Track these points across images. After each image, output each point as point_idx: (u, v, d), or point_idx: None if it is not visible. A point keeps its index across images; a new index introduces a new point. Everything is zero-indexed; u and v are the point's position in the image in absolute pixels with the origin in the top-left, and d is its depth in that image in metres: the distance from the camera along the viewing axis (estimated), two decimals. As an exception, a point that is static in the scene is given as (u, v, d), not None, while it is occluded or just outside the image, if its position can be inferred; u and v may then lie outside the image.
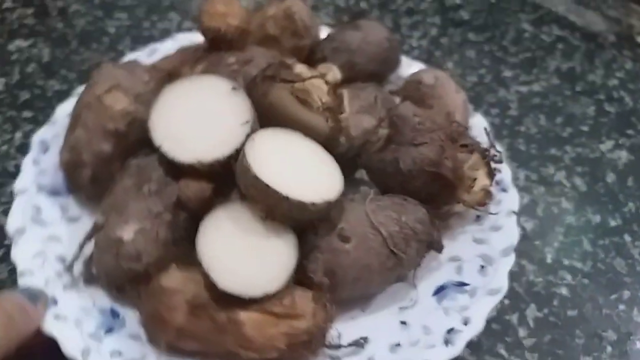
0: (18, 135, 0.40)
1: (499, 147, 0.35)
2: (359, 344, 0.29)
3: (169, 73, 0.37)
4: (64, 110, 0.37)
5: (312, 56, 0.40)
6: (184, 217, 0.30)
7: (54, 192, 0.34)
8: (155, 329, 0.28)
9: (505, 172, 0.36)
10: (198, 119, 0.30)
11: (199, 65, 0.35)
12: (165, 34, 0.48)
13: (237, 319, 0.27)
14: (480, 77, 0.48)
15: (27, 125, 0.40)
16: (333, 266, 0.29)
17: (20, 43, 0.47)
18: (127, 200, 0.30)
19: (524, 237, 0.37)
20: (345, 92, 0.35)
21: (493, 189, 0.34)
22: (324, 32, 0.42)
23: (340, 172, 0.30)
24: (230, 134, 0.30)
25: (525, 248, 0.37)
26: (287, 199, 0.27)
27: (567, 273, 0.37)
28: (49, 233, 0.32)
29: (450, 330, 0.30)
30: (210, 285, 0.27)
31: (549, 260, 0.37)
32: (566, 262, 0.37)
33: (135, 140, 0.33)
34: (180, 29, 0.49)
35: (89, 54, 0.46)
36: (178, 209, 0.30)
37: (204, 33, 0.36)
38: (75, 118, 0.34)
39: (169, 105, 0.31)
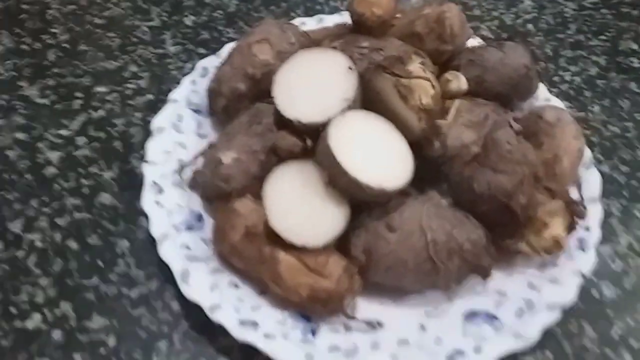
0: (188, 65, 0.49)
1: (612, 207, 0.34)
2: (372, 324, 0.32)
3: (313, 41, 0.42)
4: (228, 49, 0.45)
5: (449, 62, 0.42)
6: (274, 160, 0.35)
7: (197, 110, 0.42)
8: (218, 239, 0.33)
9: (593, 233, 0.35)
10: (311, 85, 0.35)
11: (336, 41, 0.39)
12: (334, 10, 0.53)
13: (277, 257, 0.31)
14: (623, 130, 0.45)
15: (198, 59, 0.49)
16: (372, 248, 0.32)
17: (223, -12, 0.56)
18: (238, 132, 0.36)
19: (600, 301, 0.36)
20: (457, 103, 0.37)
21: (567, 242, 0.33)
22: (472, 43, 0.43)
23: (413, 170, 0.32)
24: (331, 105, 0.33)
25: (594, 312, 0.35)
26: (346, 174, 0.30)
27: (630, 355, 0.34)
28: (181, 140, 0.40)
29: (459, 352, 0.31)
30: (266, 222, 0.32)
31: (614, 335, 0.35)
32: (634, 344, 0.35)
33: (266, 88, 0.39)
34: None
35: (266, 13, 0.53)
36: (271, 153, 0.35)
37: (350, 14, 0.40)
38: (228, 56, 0.41)
39: (294, 67, 0.36)
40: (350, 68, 0.34)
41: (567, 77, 0.49)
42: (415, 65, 0.33)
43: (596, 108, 0.47)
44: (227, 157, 0.35)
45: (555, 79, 0.49)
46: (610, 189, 0.41)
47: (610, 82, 0.49)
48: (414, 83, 0.33)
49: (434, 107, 0.34)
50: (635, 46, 0.53)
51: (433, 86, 0.34)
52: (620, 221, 0.40)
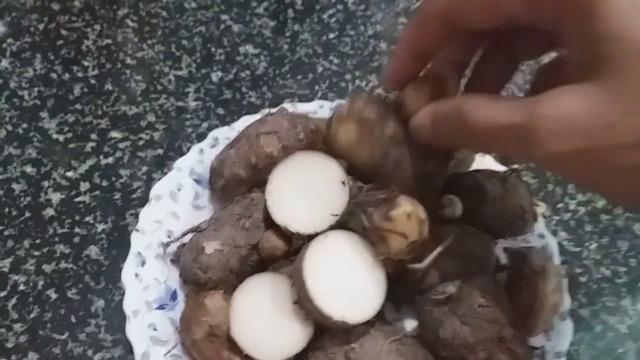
0: (204, 124, 0.50)
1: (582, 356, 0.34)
2: None
3: (323, 139, 0.42)
4: (245, 121, 0.46)
5: (455, 183, 0.42)
6: (254, 258, 0.36)
7: (197, 180, 0.43)
8: (183, 329, 0.34)
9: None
10: (304, 191, 0.35)
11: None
12: (357, 90, 0.54)
13: (233, 363, 0.32)
14: (614, 274, 0.44)
15: (215, 120, 0.50)
16: (328, 373, 0.32)
17: (250, 49, 0.57)
18: (227, 222, 0.37)
19: None
20: (439, 250, 0.36)
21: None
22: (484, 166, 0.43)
23: (380, 304, 0.33)
24: (320, 218, 0.34)
25: None
26: (311, 300, 0.31)
27: None
28: (175, 209, 0.41)
29: None
30: (229, 327, 0.33)
31: None
32: None
33: (266, 177, 0.40)
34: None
35: (292, 81, 0.54)
36: (254, 250, 0.36)
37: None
38: (237, 138, 0.42)
39: (289, 168, 0.36)
40: (343, 182, 0.35)
41: (572, 206, 0.49)
42: (400, 212, 0.33)
43: (593, 245, 0.46)
44: (210, 247, 0.36)
45: (560, 205, 0.48)
46: (584, 337, 0.41)
47: (614, 219, 0.48)
48: (385, 233, 0.33)
49: (406, 257, 0.34)
50: None
51: (407, 238, 0.33)
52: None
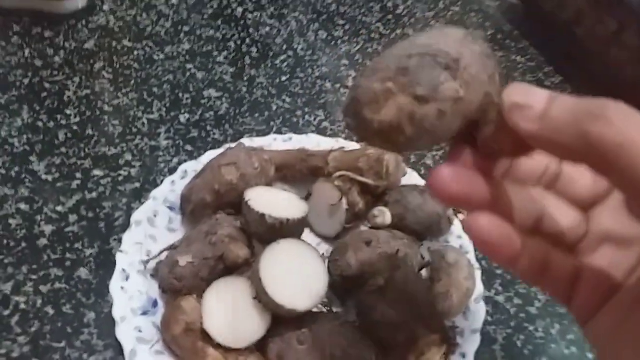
0: (175, 160, 0.58)
1: (498, 335, 0.42)
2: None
3: (278, 166, 0.51)
4: (210, 155, 0.54)
5: (382, 196, 0.51)
6: (220, 267, 0.44)
7: (170, 207, 0.51)
8: (164, 328, 0.42)
9: (468, 359, 0.43)
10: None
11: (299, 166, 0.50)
12: (307, 125, 0.62)
13: (206, 351, 0.39)
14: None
15: (184, 155, 0.58)
16: (284, 354, 0.40)
17: (213, 93, 0.65)
18: (196, 240, 0.45)
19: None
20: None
21: (441, 369, 0.41)
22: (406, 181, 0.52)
23: (322, 295, 0.41)
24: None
25: None
26: (267, 293, 0.38)
27: None
28: (152, 233, 0.49)
29: None
30: (202, 322, 0.40)
31: None
32: None
33: (228, 202, 0.48)
34: (319, 128, 0.63)
35: (250, 119, 0.63)
36: (220, 260, 0.44)
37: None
38: (203, 170, 0.50)
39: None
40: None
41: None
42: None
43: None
44: (184, 261, 0.44)
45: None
46: (500, 318, 0.49)
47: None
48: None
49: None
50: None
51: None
52: (502, 348, 0.48)
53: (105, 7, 0.75)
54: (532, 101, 0.20)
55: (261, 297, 0.40)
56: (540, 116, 0.20)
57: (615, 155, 0.18)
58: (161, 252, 0.46)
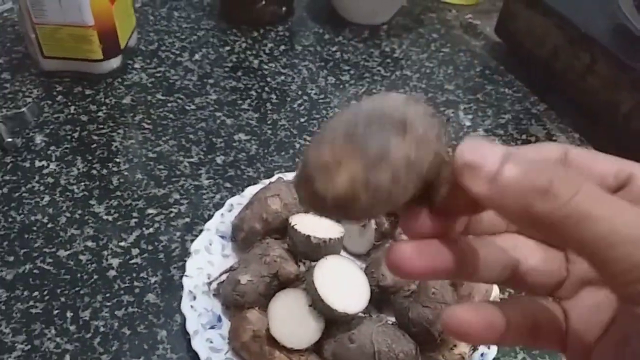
0: (218, 196, 0.66)
1: None
2: (334, 405, 0.47)
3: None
4: (250, 190, 0.62)
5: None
6: (275, 283, 0.51)
7: (222, 236, 0.59)
8: (232, 337, 0.49)
9: (492, 350, 0.50)
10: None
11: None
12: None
13: (273, 354, 0.47)
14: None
15: (225, 192, 0.66)
16: (337, 353, 0.47)
17: (242, 136, 0.74)
18: (252, 261, 0.52)
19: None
20: None
21: (470, 357, 0.49)
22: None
23: (367, 301, 0.48)
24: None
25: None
26: (322, 301, 0.46)
27: None
28: (210, 259, 0.56)
29: None
30: (268, 328, 0.47)
31: None
32: None
33: (274, 228, 0.56)
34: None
35: (277, 157, 0.71)
36: (275, 277, 0.51)
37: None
38: (250, 201, 0.58)
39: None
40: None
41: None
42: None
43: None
44: (244, 279, 0.51)
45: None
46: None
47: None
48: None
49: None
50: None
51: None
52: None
53: (137, 65, 0.84)
54: (484, 160, 0.19)
55: (316, 304, 0.47)
56: (491, 179, 0.19)
57: (560, 229, 0.18)
58: (221, 274, 0.54)
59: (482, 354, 0.50)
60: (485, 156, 0.19)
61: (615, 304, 0.22)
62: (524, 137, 0.78)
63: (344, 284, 0.48)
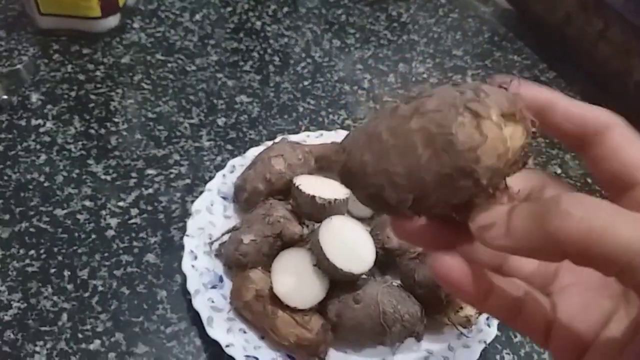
0: (219, 158, 0.64)
1: None
2: (338, 366, 0.46)
3: (316, 158, 0.57)
4: (252, 151, 0.61)
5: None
6: (279, 243, 0.50)
7: (224, 197, 0.57)
8: (234, 296, 0.48)
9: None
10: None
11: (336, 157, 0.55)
12: (332, 123, 0.69)
13: (276, 313, 0.46)
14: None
15: (226, 154, 0.64)
16: (342, 313, 0.46)
17: (244, 98, 0.72)
18: (255, 221, 0.51)
19: (498, 367, 0.50)
20: None
21: (476, 319, 0.48)
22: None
23: (373, 262, 0.47)
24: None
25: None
26: (327, 259, 0.45)
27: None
28: (211, 219, 0.55)
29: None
30: (271, 288, 0.46)
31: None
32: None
33: (278, 189, 0.54)
34: (342, 125, 0.70)
35: (280, 120, 0.70)
36: (278, 237, 0.50)
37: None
38: (253, 161, 0.56)
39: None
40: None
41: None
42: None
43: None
44: (247, 239, 0.50)
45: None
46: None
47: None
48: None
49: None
50: (559, 170, 0.69)
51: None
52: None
53: (135, 25, 0.82)
54: (493, 218, 0.20)
55: (321, 264, 0.46)
56: (505, 232, 0.20)
57: (584, 244, 0.18)
58: (223, 234, 0.52)
59: (487, 317, 0.49)
60: (492, 214, 0.21)
61: (611, 307, 0.22)
62: (532, 104, 0.76)
63: (349, 244, 0.47)
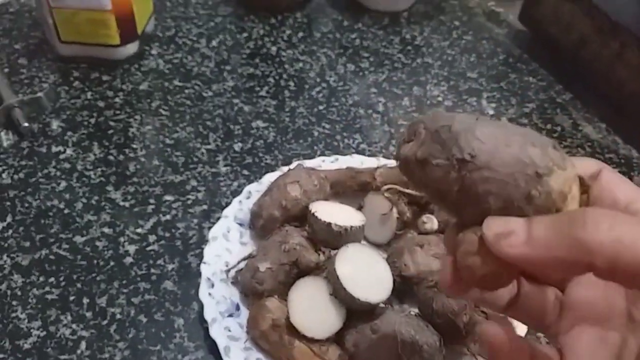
0: (235, 184, 0.64)
1: None
2: (356, 397, 0.45)
3: (331, 183, 0.58)
4: (268, 177, 0.61)
5: (426, 205, 0.57)
6: (295, 271, 0.50)
7: (241, 223, 0.57)
8: (251, 326, 0.48)
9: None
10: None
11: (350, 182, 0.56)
12: (347, 147, 0.70)
13: (293, 343, 0.45)
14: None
15: (242, 179, 0.65)
16: (359, 343, 0.46)
17: (260, 123, 0.73)
18: (272, 248, 0.51)
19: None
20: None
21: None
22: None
23: (391, 291, 0.47)
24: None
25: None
26: (344, 289, 0.45)
27: None
28: (228, 246, 0.55)
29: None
30: (287, 317, 0.46)
31: None
32: None
33: (293, 215, 0.54)
34: (357, 149, 0.70)
35: (295, 145, 0.70)
36: (294, 265, 0.50)
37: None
38: (269, 188, 0.57)
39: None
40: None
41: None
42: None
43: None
44: (263, 267, 0.50)
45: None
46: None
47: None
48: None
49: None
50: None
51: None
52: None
53: (154, 52, 0.83)
54: (510, 226, 0.20)
55: (338, 293, 0.46)
56: (526, 240, 0.20)
57: (614, 253, 0.18)
58: (240, 262, 0.52)
59: (508, 348, 0.48)
60: (511, 224, 0.20)
61: (619, 340, 0.22)
62: (549, 126, 0.76)
63: (366, 272, 0.47)
